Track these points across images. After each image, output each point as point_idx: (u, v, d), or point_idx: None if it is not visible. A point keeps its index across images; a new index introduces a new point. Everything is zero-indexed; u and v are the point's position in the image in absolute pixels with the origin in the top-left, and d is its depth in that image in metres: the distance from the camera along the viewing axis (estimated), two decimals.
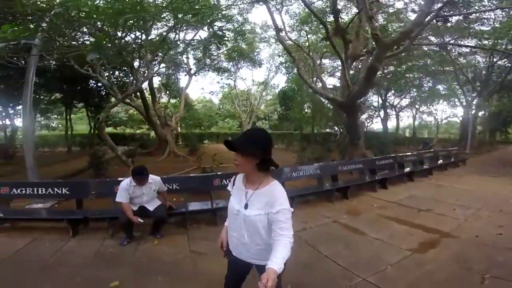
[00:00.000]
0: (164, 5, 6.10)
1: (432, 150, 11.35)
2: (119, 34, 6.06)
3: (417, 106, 23.92)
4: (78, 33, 5.46)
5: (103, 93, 15.04)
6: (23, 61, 5.60)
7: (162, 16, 6.27)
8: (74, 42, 5.82)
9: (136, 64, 11.99)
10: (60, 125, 21.58)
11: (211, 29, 8.91)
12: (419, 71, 19.04)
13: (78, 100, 16.16)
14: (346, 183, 6.16)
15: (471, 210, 4.90)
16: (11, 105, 14.55)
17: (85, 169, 8.90)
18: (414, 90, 22.48)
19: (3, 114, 15.94)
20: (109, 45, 7.02)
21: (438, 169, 9.20)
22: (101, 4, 4.45)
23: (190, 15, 5.67)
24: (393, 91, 23.26)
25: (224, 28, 12.24)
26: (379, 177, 6.90)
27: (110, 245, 3.60)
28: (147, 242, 3.71)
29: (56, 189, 4.28)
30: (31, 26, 4.64)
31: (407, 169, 7.95)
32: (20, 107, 15.83)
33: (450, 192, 6.39)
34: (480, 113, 18.74)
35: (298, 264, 2.74)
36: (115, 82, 12.24)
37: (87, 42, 6.31)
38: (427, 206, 5.16)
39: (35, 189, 4.28)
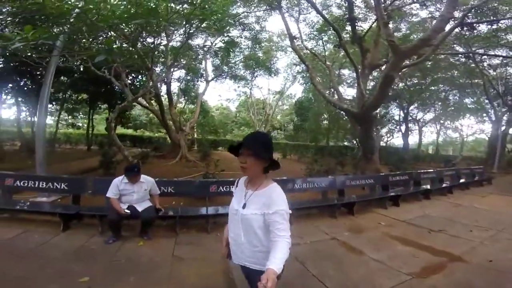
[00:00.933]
0: (176, 10, 6.20)
1: (454, 168, 10.56)
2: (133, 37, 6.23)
3: (441, 121, 22.57)
4: (98, 35, 5.66)
5: (125, 96, 15.71)
6: (45, 62, 5.89)
7: (174, 21, 6.38)
8: (93, 45, 6.07)
9: (158, 69, 12.44)
10: (84, 125, 22.67)
11: (224, 37, 9.01)
12: (445, 84, 18.07)
13: (101, 101, 16.92)
14: (352, 198, 5.76)
15: (490, 232, 4.41)
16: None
17: (96, 168, 9.15)
18: (439, 103, 21.31)
19: (32, 111, 17.00)
20: (129, 48, 7.33)
21: (459, 188, 8.51)
22: (120, 8, 4.63)
23: (200, 21, 5.72)
24: (416, 104, 22.20)
25: (240, 36, 12.46)
26: (392, 193, 6.45)
27: (95, 242, 3.57)
28: (133, 243, 3.64)
29: (56, 184, 4.39)
30: (54, 28, 4.93)
31: (424, 187, 7.40)
32: (50, 105, 16.94)
33: (468, 212, 5.84)
34: (511, 130, 17.25)
35: (279, 281, 2.50)
36: (132, 86, 12.71)
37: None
38: (440, 226, 4.71)
39: (36, 182, 4.41)
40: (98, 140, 19.05)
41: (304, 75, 19.54)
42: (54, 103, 15.82)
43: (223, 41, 9.36)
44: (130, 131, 28.07)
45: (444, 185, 8.02)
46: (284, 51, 18.43)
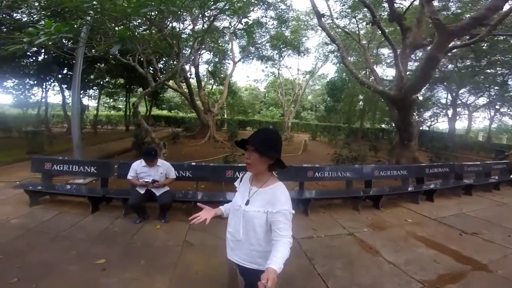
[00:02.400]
0: None
1: (507, 160, 9.28)
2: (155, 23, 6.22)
3: (497, 107, 19.78)
4: (119, 24, 5.76)
5: (158, 80, 16.34)
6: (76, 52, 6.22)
7: (189, 6, 6.20)
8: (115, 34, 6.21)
9: (186, 52, 12.57)
10: (124, 107, 24.28)
11: (245, 18, 8.60)
12: (504, 67, 15.74)
13: (136, 85, 17.81)
14: (380, 191, 5.36)
15: None
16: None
17: (130, 149, 9.81)
18: (495, 88, 18.65)
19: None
20: (156, 34, 7.40)
21: (508, 184, 7.51)
22: None
23: (214, 2, 5.48)
24: (467, 88, 19.68)
25: (264, 16, 11.82)
26: (427, 187, 5.91)
27: (118, 224, 3.84)
28: (151, 226, 3.85)
29: (87, 167, 4.74)
30: (74, 21, 5.13)
31: (466, 181, 6.64)
32: (91, 91, 18.32)
33: None
34: None
35: (280, 277, 2.47)
36: (163, 70, 13.05)
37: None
38: (476, 228, 4.23)
39: (70, 166, 4.79)
40: (136, 121, 20.38)
41: (337, 54, 18.27)
42: (95, 88, 17.04)
43: (244, 23, 8.96)
44: (165, 112, 29.46)
45: (491, 180, 7.11)
46: (314, 30, 17.32)
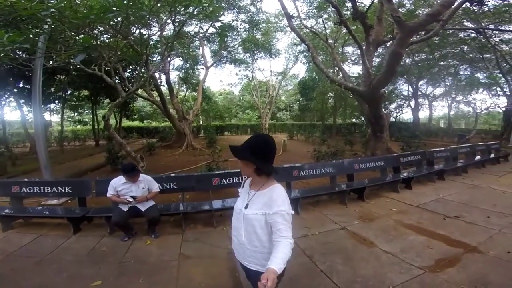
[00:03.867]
0: None
1: (469, 144, 10.11)
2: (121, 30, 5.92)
3: (453, 95, 21.67)
4: (81, 32, 5.40)
5: (126, 90, 15.54)
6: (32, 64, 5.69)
7: (158, 11, 5.99)
8: (77, 43, 5.81)
9: (155, 59, 12.13)
10: (91, 120, 22.86)
11: (216, 22, 8.53)
12: (455, 59, 17.26)
13: (102, 96, 16.82)
14: (362, 183, 5.55)
15: (509, 218, 4.16)
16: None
17: (104, 165, 9.21)
18: (450, 78, 20.42)
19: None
20: (121, 41, 7.02)
21: (474, 167, 8.14)
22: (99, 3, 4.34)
23: (185, 7, 5.35)
24: (425, 80, 21.32)
25: (235, 19, 11.85)
26: (404, 175, 6.21)
27: (105, 243, 3.60)
28: (141, 242, 3.65)
29: (60, 188, 4.35)
30: (29, 31, 4.70)
31: (438, 167, 7.11)
32: (53, 104, 16.94)
33: (486, 195, 5.54)
34: None
35: (286, 277, 2.44)
36: (131, 79, 12.49)
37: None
38: (456, 212, 4.50)
39: (42, 187, 4.38)
40: (106, 135, 19.24)
41: (306, 54, 18.87)
42: (57, 101, 15.79)
43: (215, 27, 8.89)
44: (136, 123, 28.17)
45: (458, 164, 7.65)
46: (283, 31, 17.76)
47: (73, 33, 4.70)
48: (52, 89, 13.47)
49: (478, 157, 8.68)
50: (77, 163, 10.57)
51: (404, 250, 3.20)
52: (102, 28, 7.21)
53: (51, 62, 5.93)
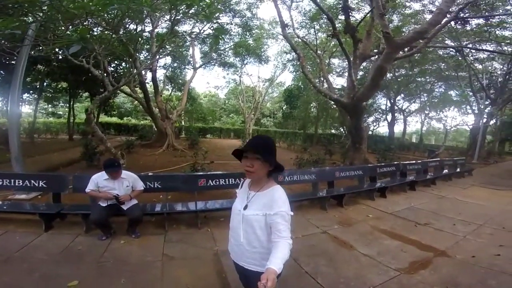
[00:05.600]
0: None
1: (438, 158, 10.88)
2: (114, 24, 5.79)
3: (426, 112, 23.25)
4: (75, 23, 5.24)
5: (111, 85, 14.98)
6: (17, 52, 5.40)
7: (159, 7, 5.96)
8: (69, 33, 5.62)
9: (142, 56, 11.87)
10: (65, 114, 21.71)
11: (213, 23, 8.59)
12: (432, 75, 18.45)
13: (82, 89, 16.10)
14: (341, 190, 5.80)
15: (472, 226, 4.57)
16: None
17: (79, 160, 8.77)
18: (425, 94, 21.86)
19: (7, 101, 16.00)
20: (111, 35, 6.85)
21: (442, 179, 8.80)
22: None
23: (188, 6, 5.36)
24: (402, 95, 22.64)
25: (230, 23, 11.96)
26: (379, 185, 6.57)
27: (81, 242, 3.42)
28: (121, 241, 3.52)
29: (33, 181, 4.11)
30: (28, 17, 4.48)
31: (410, 178, 7.58)
32: (26, 95, 15.94)
33: (452, 204, 6.03)
34: (491, 122, 17.93)
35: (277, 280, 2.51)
36: (115, 74, 12.12)
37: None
38: (426, 219, 4.85)
39: (12, 180, 4.11)
40: (81, 129, 18.31)
41: (294, 63, 19.34)
42: (31, 92, 14.90)
43: (212, 28, 8.94)
44: (114, 119, 27.15)
45: (428, 176, 8.25)
46: (275, 38, 18.13)
47: (67, 23, 4.54)
48: (28, 79, 12.70)
49: (445, 171, 9.39)
50: (49, 157, 9.94)
51: (381, 253, 3.39)
52: (93, 21, 7.00)
53: (33, 52, 5.65)
